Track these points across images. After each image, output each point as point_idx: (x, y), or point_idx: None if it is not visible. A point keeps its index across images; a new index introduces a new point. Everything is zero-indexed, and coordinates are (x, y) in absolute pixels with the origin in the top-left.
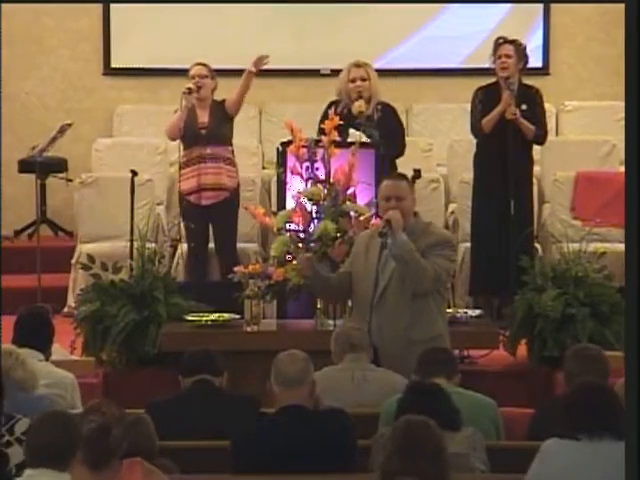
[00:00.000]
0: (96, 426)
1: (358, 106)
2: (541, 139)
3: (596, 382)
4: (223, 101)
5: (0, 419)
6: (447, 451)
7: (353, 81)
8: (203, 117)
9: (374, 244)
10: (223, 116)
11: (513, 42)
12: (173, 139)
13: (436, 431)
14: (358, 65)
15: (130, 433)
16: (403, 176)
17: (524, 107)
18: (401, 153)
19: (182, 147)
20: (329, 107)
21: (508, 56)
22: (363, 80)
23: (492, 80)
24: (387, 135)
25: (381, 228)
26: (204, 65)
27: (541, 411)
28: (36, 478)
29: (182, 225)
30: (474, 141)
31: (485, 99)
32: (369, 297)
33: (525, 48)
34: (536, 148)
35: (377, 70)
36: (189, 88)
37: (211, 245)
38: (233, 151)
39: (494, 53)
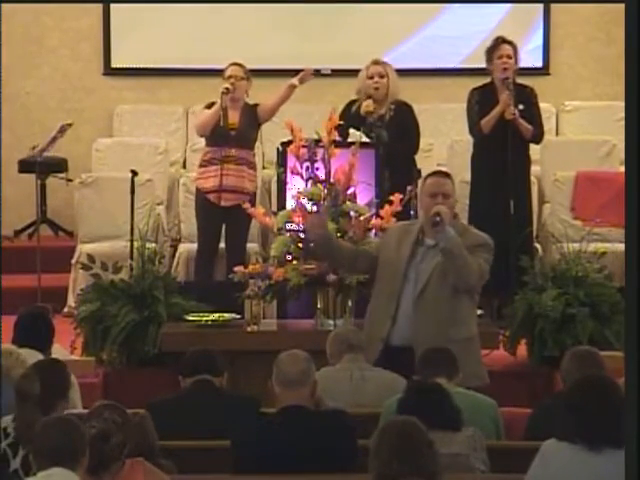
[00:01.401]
0: (95, 432)
1: (366, 105)
2: (538, 138)
3: (597, 380)
4: (256, 105)
5: None
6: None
7: (371, 77)
8: (234, 118)
9: (408, 240)
10: (253, 120)
11: (510, 42)
12: (202, 135)
13: (422, 427)
14: (377, 62)
15: (132, 433)
16: (448, 174)
17: (521, 107)
18: (414, 152)
19: (205, 144)
20: (347, 106)
21: (509, 56)
22: (381, 77)
23: (487, 80)
24: (399, 135)
25: (433, 218)
26: (240, 66)
27: (540, 410)
28: (52, 478)
29: (195, 222)
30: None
31: (481, 100)
32: (395, 292)
33: (517, 48)
34: (536, 148)
35: None
36: (227, 88)
37: (221, 245)
38: (255, 155)
39: (492, 53)
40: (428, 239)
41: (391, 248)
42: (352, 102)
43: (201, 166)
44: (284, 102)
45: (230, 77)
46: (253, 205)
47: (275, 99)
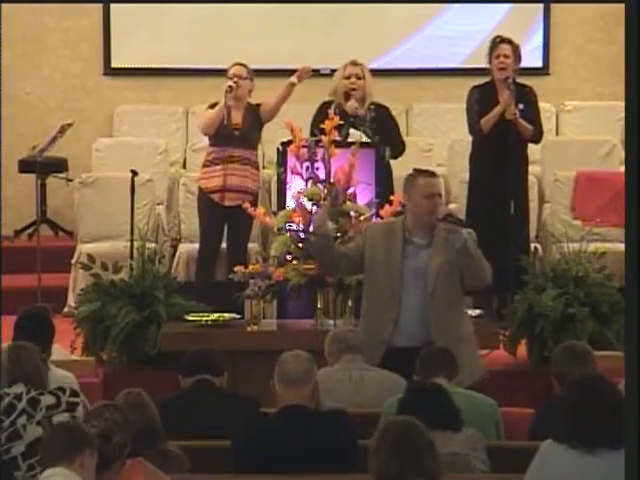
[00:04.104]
0: (97, 432)
1: (351, 104)
2: (537, 138)
3: (594, 382)
4: (258, 105)
5: None
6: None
7: (348, 78)
8: (237, 118)
9: (394, 239)
10: (256, 120)
11: (510, 42)
12: (207, 134)
13: (423, 427)
14: (354, 63)
15: (132, 409)
16: (435, 173)
17: (521, 107)
18: (401, 153)
19: (209, 143)
20: (322, 107)
21: (507, 56)
22: (358, 78)
23: (487, 79)
24: (382, 136)
25: (451, 219)
26: (243, 65)
27: (543, 410)
28: (53, 477)
29: (197, 222)
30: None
31: (481, 98)
32: (395, 293)
33: (519, 47)
34: (536, 148)
35: (377, 70)
36: (230, 87)
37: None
38: (257, 155)
39: (491, 52)
40: (416, 238)
41: (378, 248)
42: (326, 103)
43: (204, 166)
44: (285, 101)
45: (233, 76)
46: (255, 205)
47: (276, 99)
